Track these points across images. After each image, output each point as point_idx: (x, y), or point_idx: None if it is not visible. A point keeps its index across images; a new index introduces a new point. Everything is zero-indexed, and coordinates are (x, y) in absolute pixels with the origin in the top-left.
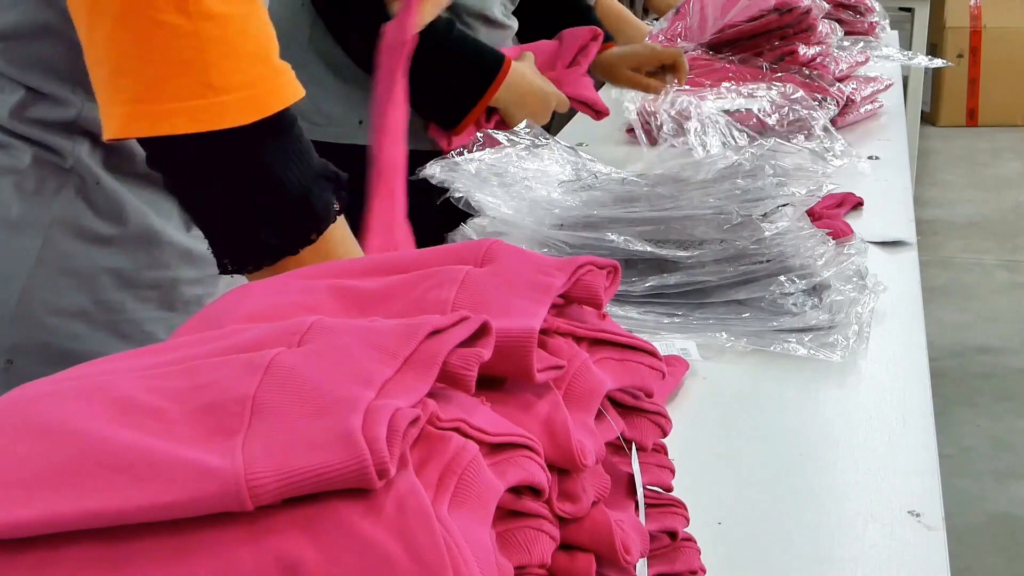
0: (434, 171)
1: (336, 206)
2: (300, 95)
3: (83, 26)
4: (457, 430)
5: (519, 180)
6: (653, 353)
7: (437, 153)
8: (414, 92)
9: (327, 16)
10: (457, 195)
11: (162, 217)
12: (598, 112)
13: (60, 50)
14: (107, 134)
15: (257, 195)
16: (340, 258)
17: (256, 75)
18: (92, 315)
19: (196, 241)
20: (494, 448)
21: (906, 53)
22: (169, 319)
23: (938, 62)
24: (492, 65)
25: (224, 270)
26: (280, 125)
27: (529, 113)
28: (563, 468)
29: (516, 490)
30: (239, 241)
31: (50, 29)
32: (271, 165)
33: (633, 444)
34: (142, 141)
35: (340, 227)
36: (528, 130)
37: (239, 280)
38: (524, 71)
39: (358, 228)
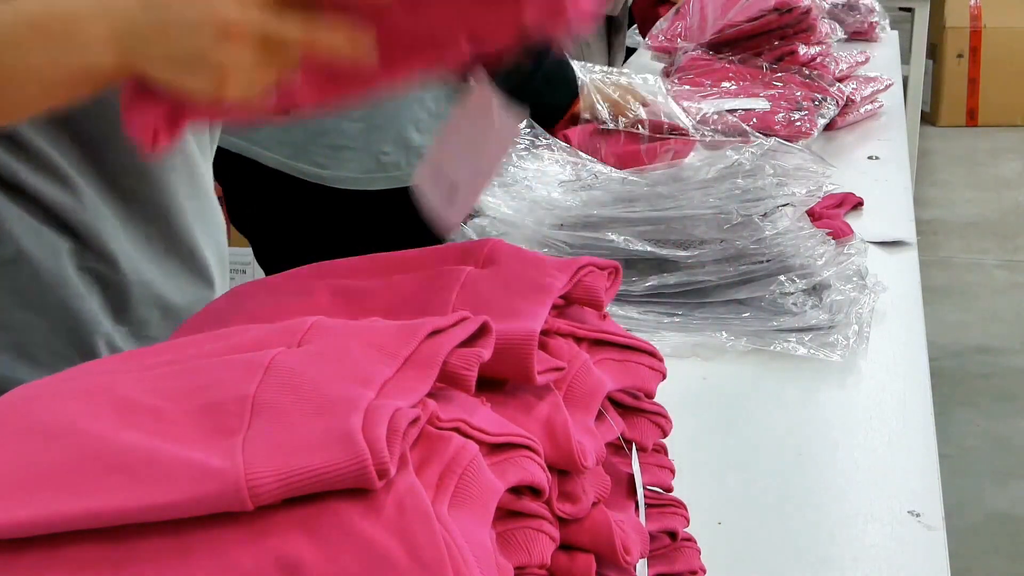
0: None
1: None
2: None
3: None
4: (457, 430)
5: (519, 180)
6: (653, 354)
7: None
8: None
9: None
10: None
11: (43, 246)
12: None
13: None
14: None
15: None
16: None
17: None
18: None
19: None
20: (494, 448)
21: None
22: (66, 343)
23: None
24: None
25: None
26: None
27: None
28: (563, 469)
29: (516, 490)
30: None
31: None
32: None
33: (633, 445)
34: None
35: None
36: (528, 130)
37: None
38: None
39: None
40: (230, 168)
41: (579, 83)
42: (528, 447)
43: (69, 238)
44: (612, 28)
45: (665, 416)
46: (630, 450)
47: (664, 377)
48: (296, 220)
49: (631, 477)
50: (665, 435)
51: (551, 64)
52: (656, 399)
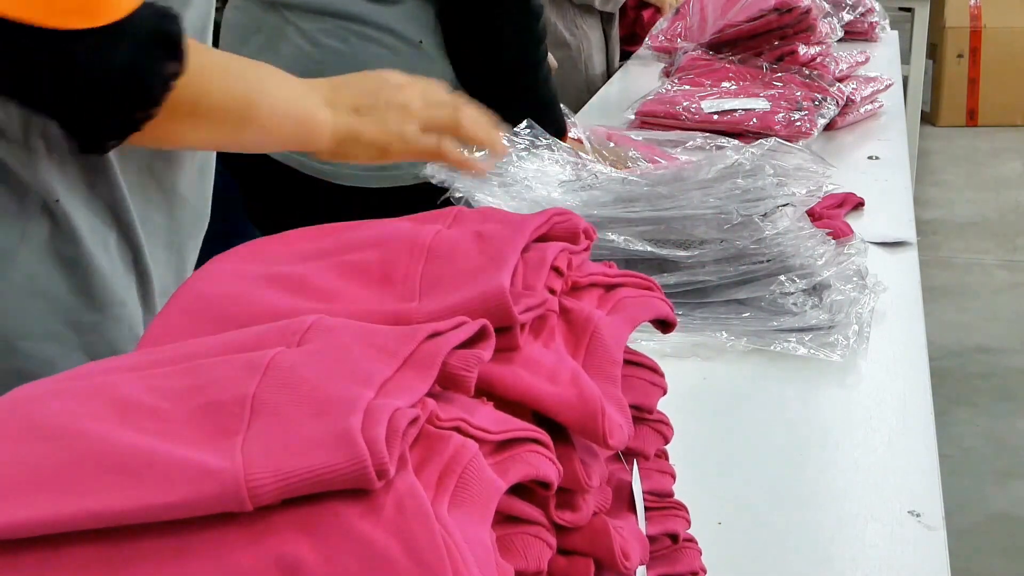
0: (434, 171)
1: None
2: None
3: None
4: (457, 429)
5: (519, 180)
6: (655, 369)
7: None
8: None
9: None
10: (457, 195)
11: (97, 238)
12: None
13: None
14: None
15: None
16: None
17: None
18: (65, 337)
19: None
20: (499, 447)
21: None
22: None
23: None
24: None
25: (83, 150)
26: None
27: None
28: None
29: (523, 487)
30: (77, 125)
31: None
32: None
33: (635, 461)
34: None
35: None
36: (528, 130)
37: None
38: None
39: None
40: (243, 160)
41: (567, 124)
42: (535, 440)
43: (113, 228)
44: (605, 19)
45: (667, 423)
46: (630, 465)
47: (665, 392)
48: (301, 216)
49: (631, 485)
50: (667, 442)
51: (539, 105)
52: None
